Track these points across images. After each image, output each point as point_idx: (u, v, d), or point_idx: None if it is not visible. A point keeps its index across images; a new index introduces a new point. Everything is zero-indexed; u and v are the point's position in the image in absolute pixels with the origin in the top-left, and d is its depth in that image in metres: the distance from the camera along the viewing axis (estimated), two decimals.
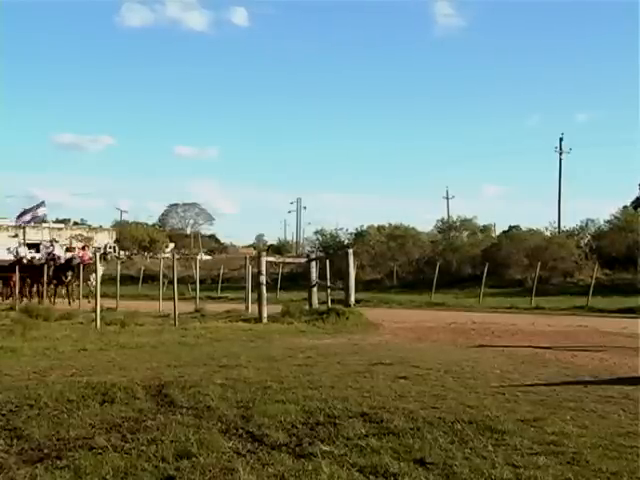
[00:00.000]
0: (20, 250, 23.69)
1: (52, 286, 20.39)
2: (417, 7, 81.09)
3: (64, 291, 20.62)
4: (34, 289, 20.51)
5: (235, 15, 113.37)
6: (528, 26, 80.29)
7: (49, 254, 21.27)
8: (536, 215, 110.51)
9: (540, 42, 79.45)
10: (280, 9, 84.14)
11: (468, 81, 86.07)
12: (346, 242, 33.05)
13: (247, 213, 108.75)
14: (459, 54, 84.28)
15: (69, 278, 20.23)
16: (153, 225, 74.45)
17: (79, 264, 19.84)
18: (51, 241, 23.10)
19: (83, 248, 22.96)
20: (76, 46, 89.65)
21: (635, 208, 34.97)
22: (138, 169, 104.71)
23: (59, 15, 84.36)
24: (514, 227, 35.97)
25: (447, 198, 54.16)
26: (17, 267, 19.37)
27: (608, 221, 31.07)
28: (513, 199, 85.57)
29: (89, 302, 18.14)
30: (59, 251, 21.90)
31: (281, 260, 24.07)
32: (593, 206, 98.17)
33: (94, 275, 19.67)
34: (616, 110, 79.26)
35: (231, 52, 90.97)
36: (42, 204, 24.86)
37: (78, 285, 19.78)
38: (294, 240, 64.39)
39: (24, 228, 72.60)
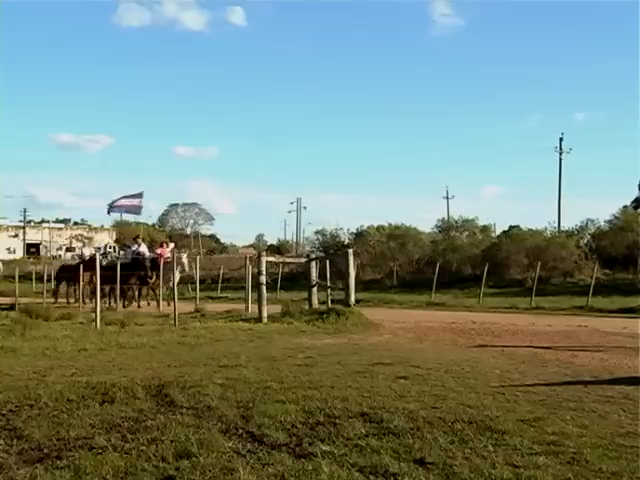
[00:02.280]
0: (85, 251, 22.11)
1: (135, 287, 18.51)
2: (414, 7, 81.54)
3: (148, 292, 18.73)
4: (113, 290, 18.17)
5: (233, 15, 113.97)
6: (526, 26, 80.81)
7: (134, 252, 18.91)
8: (536, 215, 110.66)
9: (538, 42, 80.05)
10: (277, 9, 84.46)
11: (466, 81, 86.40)
12: (346, 242, 33.07)
13: (246, 213, 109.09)
14: (457, 54, 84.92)
15: (153, 279, 18.06)
16: (153, 225, 74.47)
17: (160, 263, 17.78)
18: (135, 238, 20.05)
19: (162, 245, 20.28)
20: (74, 46, 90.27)
21: (635, 208, 35.00)
22: (137, 169, 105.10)
23: (56, 15, 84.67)
24: (514, 227, 35.98)
25: (447, 198, 54.34)
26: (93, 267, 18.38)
27: (609, 221, 31.13)
28: (513, 199, 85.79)
29: (168, 305, 16.61)
30: (144, 249, 19.29)
31: (281, 260, 24.04)
32: (593, 206, 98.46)
33: (176, 274, 17.65)
34: (614, 110, 79.60)
35: (230, 52, 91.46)
36: (140, 195, 20.62)
37: (159, 285, 17.97)
38: (294, 240, 64.44)
39: (24, 228, 72.70)
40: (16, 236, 73.51)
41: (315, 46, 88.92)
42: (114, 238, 72.41)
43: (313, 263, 15.04)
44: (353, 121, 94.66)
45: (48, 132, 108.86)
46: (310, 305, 14.22)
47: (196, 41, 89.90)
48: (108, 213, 17.88)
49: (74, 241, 72.81)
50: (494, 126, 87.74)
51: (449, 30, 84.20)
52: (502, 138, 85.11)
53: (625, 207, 34.12)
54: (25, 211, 73.64)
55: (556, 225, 36.92)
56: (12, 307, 16.40)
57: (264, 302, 12.82)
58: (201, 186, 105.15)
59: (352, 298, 13.30)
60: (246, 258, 18.63)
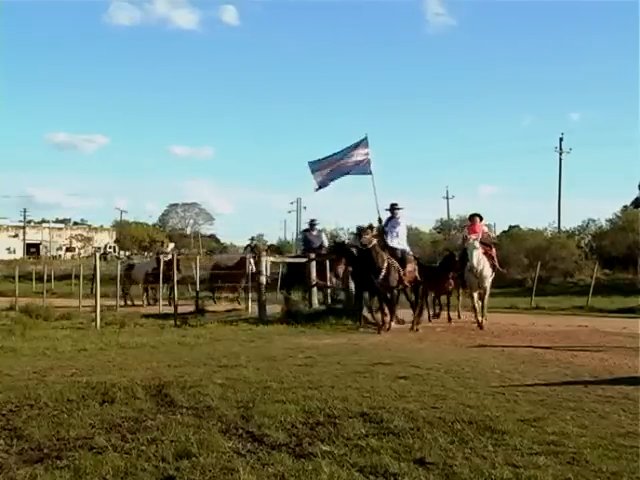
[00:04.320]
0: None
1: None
2: (408, 6, 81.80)
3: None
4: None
5: (225, 13, 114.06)
6: (518, 25, 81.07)
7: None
8: (535, 215, 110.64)
9: (531, 42, 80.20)
10: (270, 7, 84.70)
11: (461, 80, 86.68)
12: (346, 242, 33.03)
13: (245, 213, 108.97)
14: (451, 53, 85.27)
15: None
16: (153, 225, 74.55)
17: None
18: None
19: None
20: (66, 45, 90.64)
21: (635, 208, 35.01)
22: (133, 168, 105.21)
23: (48, 15, 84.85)
24: (514, 227, 36.01)
25: (447, 198, 54.29)
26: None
27: (609, 220, 31.17)
28: (511, 199, 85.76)
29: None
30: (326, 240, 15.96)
31: (281, 260, 23.99)
32: (593, 206, 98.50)
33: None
34: (611, 109, 79.76)
35: (223, 51, 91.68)
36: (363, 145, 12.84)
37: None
38: (294, 240, 64.41)
39: (24, 228, 72.69)
40: (16, 236, 73.53)
41: (309, 45, 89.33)
42: (114, 238, 72.51)
43: (313, 263, 15.01)
44: (351, 121, 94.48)
45: (43, 132, 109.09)
46: (310, 305, 14.20)
47: (189, 40, 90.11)
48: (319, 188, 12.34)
49: (74, 241, 72.91)
50: (489, 126, 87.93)
51: (443, 29, 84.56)
52: (497, 138, 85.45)
53: (625, 207, 34.15)
54: (25, 211, 73.74)
55: (556, 225, 37.00)
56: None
57: (264, 302, 12.83)
58: (198, 186, 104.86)
59: (352, 298, 13.28)
60: (246, 258, 18.59)
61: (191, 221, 74.41)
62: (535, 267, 21.76)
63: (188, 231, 72.69)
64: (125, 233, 69.56)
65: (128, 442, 3.81)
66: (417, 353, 7.87)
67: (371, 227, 11.31)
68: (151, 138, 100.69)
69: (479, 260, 11.32)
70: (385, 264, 10.80)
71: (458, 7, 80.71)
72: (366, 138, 12.62)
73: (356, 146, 12.60)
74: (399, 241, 11.63)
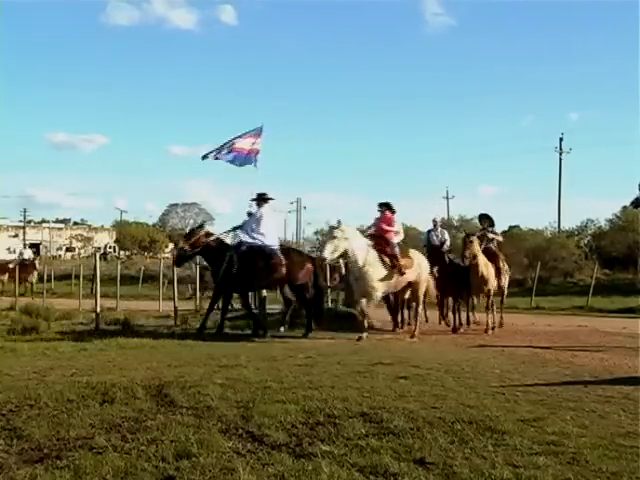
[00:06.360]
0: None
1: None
2: (406, 6, 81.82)
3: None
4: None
5: (223, 13, 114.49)
6: (517, 25, 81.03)
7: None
8: (535, 215, 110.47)
9: (531, 41, 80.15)
10: (268, 7, 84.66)
11: (461, 80, 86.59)
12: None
13: (245, 213, 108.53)
14: (450, 53, 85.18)
15: None
16: (153, 225, 74.51)
17: None
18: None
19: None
20: (64, 45, 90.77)
21: (635, 208, 35.00)
22: (133, 168, 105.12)
23: (46, 14, 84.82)
24: (514, 227, 35.99)
25: (447, 198, 54.24)
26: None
27: (609, 220, 31.17)
28: (510, 199, 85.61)
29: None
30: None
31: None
32: (593, 206, 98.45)
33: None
34: (610, 109, 79.77)
35: (222, 50, 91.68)
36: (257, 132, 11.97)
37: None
38: (294, 240, 64.34)
39: (24, 228, 72.70)
40: (16, 236, 73.47)
41: (308, 45, 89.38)
42: (114, 238, 72.50)
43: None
44: (351, 120, 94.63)
45: (42, 132, 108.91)
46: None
47: (187, 40, 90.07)
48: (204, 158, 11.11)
49: (74, 241, 72.92)
50: (489, 126, 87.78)
51: (442, 29, 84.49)
52: (497, 138, 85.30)
53: (625, 207, 34.13)
54: (25, 211, 73.70)
55: (556, 225, 36.99)
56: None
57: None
58: (198, 186, 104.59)
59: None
60: None
61: (191, 221, 74.15)
62: (535, 267, 21.78)
63: (188, 231, 72.61)
64: (125, 233, 69.46)
65: (128, 442, 3.81)
66: (417, 353, 7.87)
67: (191, 233, 10.68)
68: (150, 138, 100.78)
69: (335, 253, 9.24)
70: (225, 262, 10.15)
71: (457, 7, 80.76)
72: (261, 127, 11.68)
73: (249, 133, 11.68)
74: (255, 236, 10.23)
